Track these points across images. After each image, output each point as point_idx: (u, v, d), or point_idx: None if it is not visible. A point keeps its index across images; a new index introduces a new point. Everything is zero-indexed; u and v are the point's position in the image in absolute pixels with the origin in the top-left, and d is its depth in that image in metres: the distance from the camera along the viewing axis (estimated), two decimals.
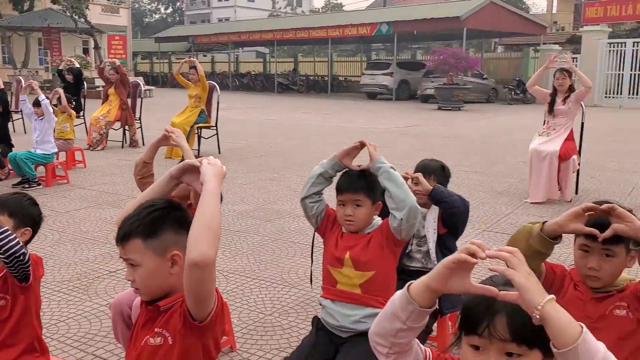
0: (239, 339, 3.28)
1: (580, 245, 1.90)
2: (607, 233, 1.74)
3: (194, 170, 1.77)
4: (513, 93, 24.38)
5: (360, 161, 2.56)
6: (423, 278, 1.29)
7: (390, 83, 26.02)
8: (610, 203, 1.75)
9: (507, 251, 1.16)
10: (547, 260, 1.95)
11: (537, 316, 1.09)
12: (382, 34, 26.90)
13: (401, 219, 2.35)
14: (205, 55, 42.65)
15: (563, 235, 1.86)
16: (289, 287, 4.13)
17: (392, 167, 2.42)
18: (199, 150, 9.58)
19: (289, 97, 28.26)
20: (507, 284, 1.17)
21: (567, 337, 1.07)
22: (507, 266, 1.15)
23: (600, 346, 1.08)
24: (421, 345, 1.40)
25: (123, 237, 1.71)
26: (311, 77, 34.73)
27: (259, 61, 42.02)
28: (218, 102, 10.12)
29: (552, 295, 1.11)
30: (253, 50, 47.34)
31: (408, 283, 1.32)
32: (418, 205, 2.41)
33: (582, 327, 1.09)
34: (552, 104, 6.71)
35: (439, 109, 20.82)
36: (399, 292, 1.32)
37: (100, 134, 10.42)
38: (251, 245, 5.04)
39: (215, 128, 10.01)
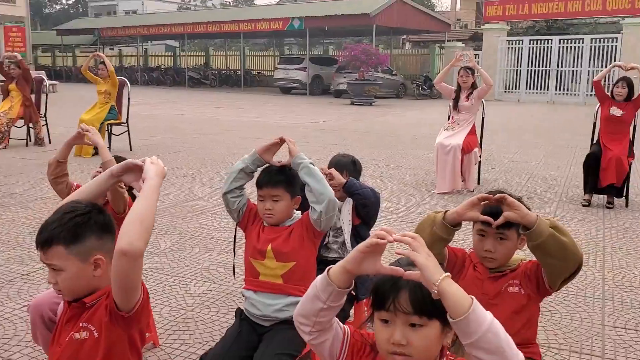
0: (161, 335, 3.32)
1: (477, 230, 2.12)
2: (499, 220, 1.96)
3: (136, 169, 1.83)
4: (420, 89, 25.32)
5: (280, 157, 2.67)
6: (340, 262, 1.44)
7: (303, 78, 26.29)
8: (502, 193, 1.97)
9: (410, 236, 1.33)
10: (449, 245, 2.17)
11: (435, 291, 1.26)
12: (294, 29, 27.11)
13: (321, 211, 2.50)
14: (112, 49, 41.14)
15: (463, 222, 2.07)
16: (209, 283, 4.19)
17: (311, 163, 2.56)
18: (110, 147, 9.32)
19: (201, 92, 27.84)
20: (411, 264, 1.34)
21: (460, 308, 1.25)
22: (411, 249, 1.31)
23: (488, 315, 1.26)
24: (340, 323, 1.55)
25: (44, 242, 1.72)
26: (223, 72, 34.38)
27: (169, 55, 41.05)
28: (129, 98, 9.88)
29: (448, 273, 1.28)
30: (162, 44, 46.13)
31: (327, 267, 1.47)
32: (336, 199, 2.57)
33: (472, 300, 1.27)
34: (456, 100, 7.13)
35: (352, 104, 21.29)
36: (319, 276, 1.47)
37: (2, 132, 9.89)
38: (169, 243, 5.04)
39: (126, 125, 9.77)
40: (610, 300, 3.92)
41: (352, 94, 21.81)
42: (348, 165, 3.31)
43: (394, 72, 26.25)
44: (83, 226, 1.73)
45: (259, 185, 2.63)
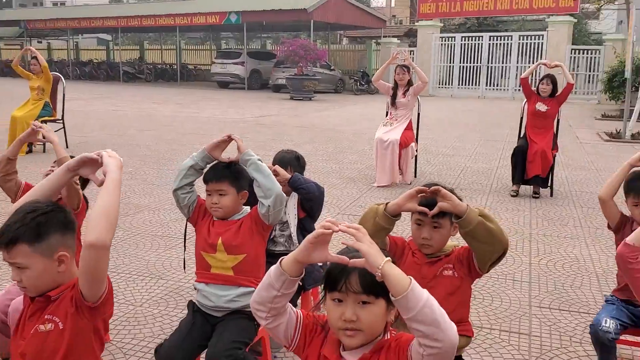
0: (112, 331, 3.37)
1: (415, 220, 2.32)
2: (434, 210, 2.16)
3: (91, 162, 1.90)
4: (359, 84, 25.69)
5: (229, 153, 2.78)
6: (291, 254, 1.59)
7: (241, 72, 26.17)
8: (437, 186, 2.16)
9: (353, 227, 1.49)
10: (390, 234, 2.35)
11: (379, 274, 1.43)
12: (231, 24, 26.91)
13: (269, 205, 2.63)
14: (40, 42, 39.46)
15: (402, 213, 2.25)
16: (157, 279, 4.25)
17: (259, 159, 2.69)
18: (44, 145, 9.09)
19: (136, 87, 27.24)
20: (357, 252, 1.50)
21: (400, 288, 1.42)
22: (355, 239, 1.48)
23: (425, 293, 1.44)
24: (293, 308, 1.70)
25: (8, 242, 1.77)
26: (159, 66, 33.71)
27: (102, 49, 39.80)
28: (64, 94, 9.65)
29: (389, 258, 1.45)
30: (94, 37, 44.66)
31: (280, 259, 1.62)
32: (283, 193, 2.71)
33: (410, 280, 1.44)
34: (393, 97, 7.39)
35: (291, 98, 21.40)
36: (273, 267, 1.61)
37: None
38: (113, 240, 5.01)
39: (61, 121, 9.54)
40: (536, 283, 4.25)
41: (291, 89, 21.92)
42: (292, 161, 3.45)
43: (332, 68, 26.52)
44: (46, 225, 1.79)
45: (205, 180, 2.74)
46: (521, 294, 4.03)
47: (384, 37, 27.85)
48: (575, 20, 23.34)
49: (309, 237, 1.54)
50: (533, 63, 20.59)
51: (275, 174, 3.21)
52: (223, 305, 2.69)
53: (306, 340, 1.69)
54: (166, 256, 4.70)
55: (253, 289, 2.72)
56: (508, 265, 4.56)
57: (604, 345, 2.79)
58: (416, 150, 7.66)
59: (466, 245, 2.27)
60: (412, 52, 24.90)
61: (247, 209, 2.81)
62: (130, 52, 37.46)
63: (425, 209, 2.17)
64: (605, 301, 3.04)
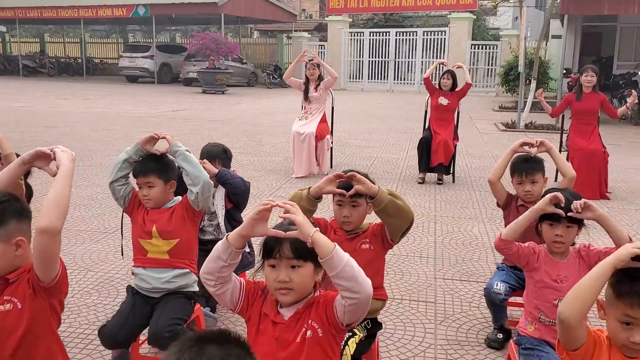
0: None
1: (336, 201, 2.66)
2: (351, 192, 2.52)
3: (45, 156, 2.09)
4: (271, 77, 25.90)
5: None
6: (236, 230, 1.89)
7: (151, 66, 25.70)
8: (352, 171, 2.52)
9: (288, 204, 1.83)
10: (314, 216, 2.68)
11: (310, 241, 1.76)
12: (139, 16, 26.30)
13: (197, 192, 2.89)
14: None
15: (323, 196, 2.59)
16: (85, 271, 4.36)
17: (187, 150, 2.93)
18: None
19: (38, 81, 26.01)
20: (291, 224, 1.83)
21: (327, 250, 1.77)
22: (291, 213, 1.79)
23: (346, 255, 1.80)
24: (237, 276, 1.99)
25: None
26: (62, 60, 32.31)
27: None
28: None
29: (317, 228, 1.79)
30: None
31: (226, 234, 1.91)
32: (211, 181, 2.97)
33: (335, 245, 1.79)
34: (306, 92, 7.75)
35: (204, 92, 21.28)
36: (220, 242, 1.91)
37: None
38: None
39: None
40: (440, 259, 4.75)
41: (203, 82, 21.79)
42: (220, 154, 3.70)
43: (244, 61, 26.56)
44: (4, 212, 1.98)
45: (134, 175, 2.96)
46: (427, 269, 4.51)
47: (295, 31, 28.21)
48: (475, 17, 24.66)
49: (251, 213, 1.85)
50: (437, 58, 21.75)
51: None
52: (161, 286, 2.92)
53: (249, 302, 1.99)
54: (93, 249, 4.80)
55: (187, 270, 2.99)
56: (416, 244, 5.04)
57: (496, 306, 3.27)
58: (331, 142, 8.07)
59: (379, 222, 2.64)
60: (323, 47, 25.45)
61: (179, 198, 3.05)
62: (29, 44, 35.59)
63: (343, 191, 2.52)
64: (497, 268, 3.53)
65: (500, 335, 3.34)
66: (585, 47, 18.77)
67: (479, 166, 8.61)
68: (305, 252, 1.84)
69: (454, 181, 7.59)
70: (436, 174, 7.58)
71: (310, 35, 27.88)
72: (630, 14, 15.24)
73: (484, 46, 23.46)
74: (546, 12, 14.42)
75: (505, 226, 2.86)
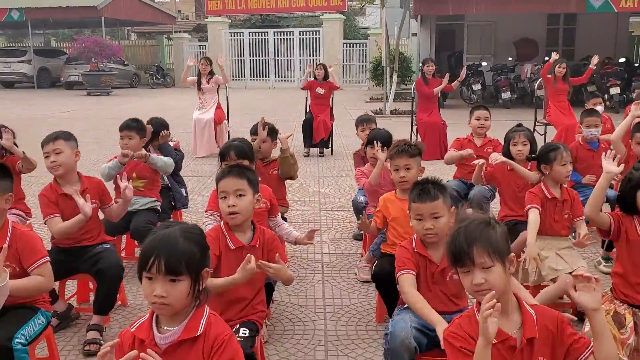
0: None
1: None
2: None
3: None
4: (154, 78, 26.51)
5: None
6: None
7: (28, 71, 25.31)
8: (266, 122, 4.01)
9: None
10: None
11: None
12: (13, 20, 25.73)
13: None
14: None
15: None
16: None
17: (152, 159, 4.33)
18: None
19: None
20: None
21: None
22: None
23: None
24: None
25: None
26: None
27: None
28: None
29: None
30: None
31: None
32: (168, 167, 4.39)
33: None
34: (199, 84, 9.11)
35: (88, 94, 21.58)
36: None
37: None
38: None
39: None
40: (324, 200, 6.40)
41: (88, 85, 22.07)
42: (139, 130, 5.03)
43: (125, 63, 26.90)
44: None
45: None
46: (315, 206, 6.18)
47: (175, 32, 28.90)
48: (345, 17, 26.78)
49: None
50: (313, 56, 23.58)
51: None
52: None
53: None
54: None
55: (154, 198, 4.34)
56: (307, 193, 6.67)
57: (358, 210, 4.87)
58: (229, 127, 9.49)
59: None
60: (204, 47, 26.44)
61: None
62: None
63: None
64: (359, 190, 5.16)
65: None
66: (441, 43, 21.22)
67: (350, 143, 10.38)
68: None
69: (332, 154, 9.34)
70: (318, 149, 9.24)
71: (190, 36, 28.69)
72: (470, 13, 17.86)
73: (355, 44, 25.44)
74: (404, 13, 16.61)
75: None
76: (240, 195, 2.70)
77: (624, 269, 2.81)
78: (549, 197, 3.56)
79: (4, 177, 2.80)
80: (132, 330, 1.90)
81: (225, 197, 2.71)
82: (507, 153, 4.19)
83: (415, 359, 2.48)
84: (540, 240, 3.47)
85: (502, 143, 4.44)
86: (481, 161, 4.18)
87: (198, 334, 1.87)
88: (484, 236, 1.91)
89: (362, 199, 4.81)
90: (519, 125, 4.32)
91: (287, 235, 3.52)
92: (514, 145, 4.16)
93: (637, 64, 17.26)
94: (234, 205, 2.67)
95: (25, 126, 12.12)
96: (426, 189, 2.72)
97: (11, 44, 33.58)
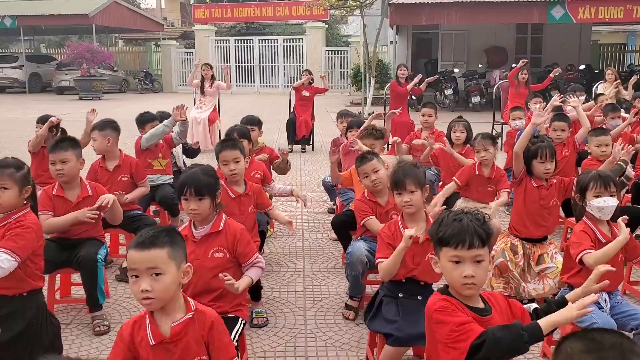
0: None
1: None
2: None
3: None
4: (143, 83, 27.42)
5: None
6: None
7: (20, 76, 26.10)
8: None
9: None
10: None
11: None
12: (5, 27, 26.50)
13: (177, 137, 5.29)
14: None
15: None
16: None
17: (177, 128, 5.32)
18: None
19: None
20: None
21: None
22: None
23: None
24: None
25: None
26: None
27: None
28: None
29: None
30: None
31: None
32: (180, 136, 5.40)
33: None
34: (202, 88, 10.15)
35: (80, 99, 22.45)
36: None
37: None
38: None
39: None
40: (305, 187, 7.44)
41: (80, 90, 22.94)
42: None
43: (115, 69, 27.76)
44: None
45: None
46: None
47: (163, 39, 29.83)
48: (327, 26, 27.92)
49: None
50: (296, 63, 24.66)
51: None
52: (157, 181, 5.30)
53: None
54: None
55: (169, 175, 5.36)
56: (291, 181, 7.73)
57: (327, 188, 5.93)
58: (220, 125, 10.55)
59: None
60: (191, 54, 27.41)
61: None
62: None
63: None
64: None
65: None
66: (418, 51, 22.44)
67: (329, 141, 11.45)
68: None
69: (313, 150, 10.42)
70: (300, 145, 10.33)
71: (177, 43, 29.64)
72: (443, 24, 19.07)
73: (337, 52, 26.53)
74: (380, 22, 17.74)
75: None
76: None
77: (517, 211, 3.91)
78: (477, 174, 4.68)
79: (77, 146, 3.79)
80: (180, 230, 2.84)
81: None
82: (448, 138, 5.32)
83: (365, 271, 3.59)
84: (466, 202, 4.59)
85: (446, 131, 5.58)
86: (423, 142, 5.34)
87: (220, 229, 2.98)
88: (413, 172, 3.03)
89: (328, 179, 5.88)
90: (460, 117, 5.45)
91: (283, 191, 4.62)
92: (454, 132, 5.29)
93: (597, 70, 18.64)
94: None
95: (27, 126, 12.92)
96: (365, 156, 3.84)
97: (0, 50, 34.27)
